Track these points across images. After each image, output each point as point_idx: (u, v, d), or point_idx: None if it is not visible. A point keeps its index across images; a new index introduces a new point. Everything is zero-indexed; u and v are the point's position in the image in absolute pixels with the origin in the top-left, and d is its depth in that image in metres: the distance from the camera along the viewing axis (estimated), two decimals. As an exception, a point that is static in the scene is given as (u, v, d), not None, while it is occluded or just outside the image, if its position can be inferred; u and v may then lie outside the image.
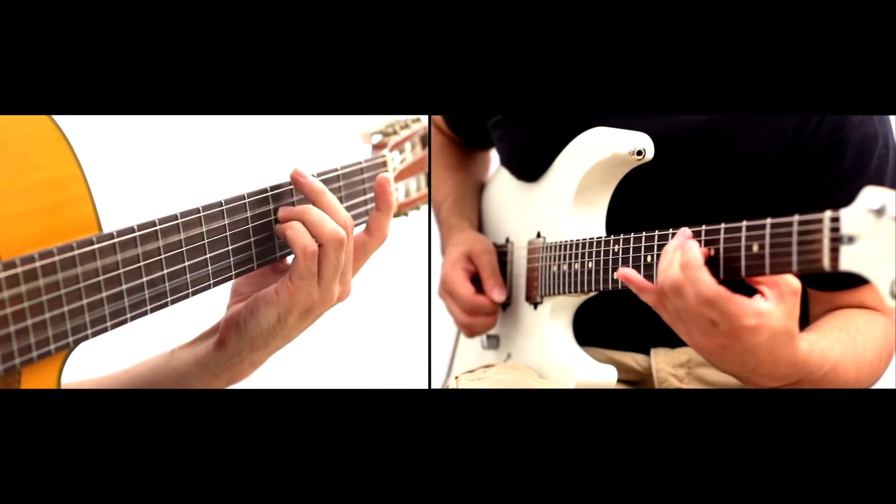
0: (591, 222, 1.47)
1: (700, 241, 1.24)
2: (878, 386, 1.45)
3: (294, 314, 1.30)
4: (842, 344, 1.35)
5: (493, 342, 1.62)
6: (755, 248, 1.17)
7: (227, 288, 1.37)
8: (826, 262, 1.10)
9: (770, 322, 1.20)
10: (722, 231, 1.21)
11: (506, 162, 1.64)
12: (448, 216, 1.71)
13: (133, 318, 1.20)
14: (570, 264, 1.44)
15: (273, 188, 1.32)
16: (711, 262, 1.22)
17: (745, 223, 1.19)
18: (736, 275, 1.20)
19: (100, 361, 1.37)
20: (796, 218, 1.14)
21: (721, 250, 1.21)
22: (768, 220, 1.16)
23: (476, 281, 1.60)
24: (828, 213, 1.10)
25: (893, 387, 1.52)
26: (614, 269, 1.36)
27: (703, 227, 1.24)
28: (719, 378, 1.51)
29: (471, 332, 1.62)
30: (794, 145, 1.41)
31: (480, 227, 1.73)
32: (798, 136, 1.40)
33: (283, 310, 1.29)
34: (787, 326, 1.22)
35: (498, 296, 1.57)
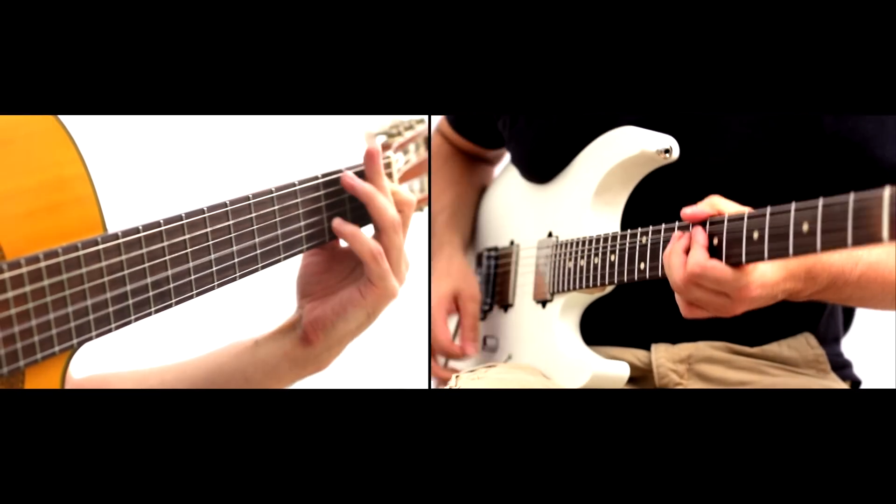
0: (608, 222, 1.47)
1: (743, 226, 1.26)
2: (878, 386, 1.46)
3: (381, 308, 1.41)
4: (879, 251, 1.37)
5: (493, 343, 1.63)
6: (805, 227, 1.19)
7: (228, 289, 1.37)
8: (885, 234, 1.13)
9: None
10: (768, 214, 1.23)
11: (518, 163, 1.64)
12: (442, 231, 1.74)
13: (137, 319, 1.20)
14: (588, 259, 1.45)
15: (278, 189, 1.32)
16: (755, 243, 1.24)
17: (794, 205, 1.21)
18: (784, 254, 1.22)
19: (103, 362, 1.37)
20: (851, 196, 1.16)
21: (766, 230, 1.23)
22: (820, 200, 1.19)
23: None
24: (887, 189, 1.13)
25: (893, 387, 1.53)
26: (641, 260, 1.38)
27: (747, 209, 1.26)
28: (719, 374, 1.52)
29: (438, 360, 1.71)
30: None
31: (478, 233, 1.74)
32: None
33: (371, 309, 1.40)
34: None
35: (471, 351, 1.66)
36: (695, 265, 1.28)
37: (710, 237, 1.29)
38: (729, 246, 1.27)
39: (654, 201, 1.47)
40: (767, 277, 1.29)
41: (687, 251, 1.31)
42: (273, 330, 1.42)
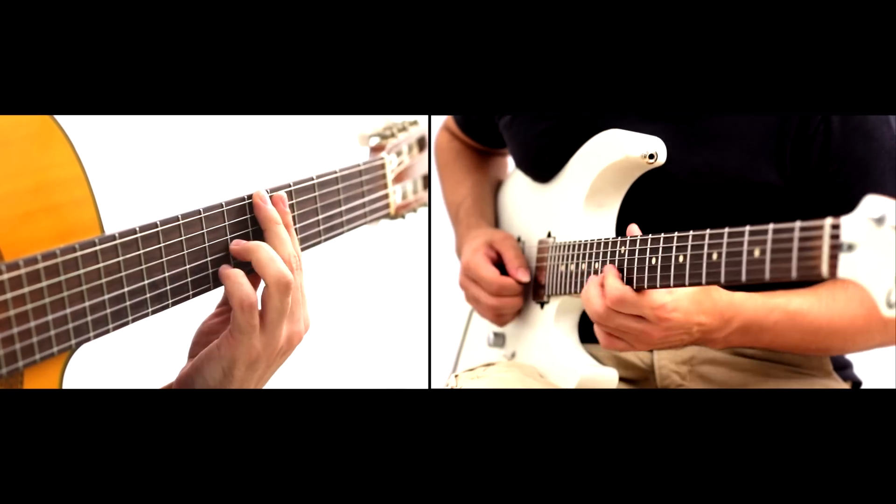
0: (602, 224, 1.47)
1: (703, 245, 1.25)
2: (878, 386, 1.46)
3: (240, 367, 1.25)
4: (800, 301, 1.41)
5: (500, 340, 1.63)
6: (756, 253, 1.18)
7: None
8: (825, 269, 1.10)
9: (682, 291, 1.33)
10: (725, 235, 1.22)
11: (518, 162, 1.65)
12: (467, 216, 1.72)
13: (135, 320, 1.19)
14: (577, 264, 1.44)
15: (272, 190, 1.32)
16: (713, 266, 1.23)
17: (748, 228, 1.20)
18: (737, 279, 1.21)
19: (102, 362, 1.37)
20: (798, 224, 1.14)
21: (724, 254, 1.22)
22: (770, 226, 1.17)
23: (498, 267, 1.60)
24: (828, 221, 1.10)
25: (893, 387, 1.53)
26: (619, 271, 1.36)
27: (707, 230, 1.24)
28: (721, 376, 1.52)
29: (499, 314, 1.60)
30: (799, 136, 1.41)
31: (496, 227, 1.73)
32: (804, 127, 1.41)
33: (227, 364, 1.24)
34: (699, 288, 1.35)
35: (523, 276, 1.57)
36: (614, 290, 1.33)
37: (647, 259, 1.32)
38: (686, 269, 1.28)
39: (652, 204, 1.47)
40: (682, 304, 1.33)
41: (602, 284, 1.36)
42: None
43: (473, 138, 1.81)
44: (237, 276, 1.24)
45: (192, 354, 1.32)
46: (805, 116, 1.40)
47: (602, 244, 1.40)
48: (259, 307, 1.24)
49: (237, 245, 1.27)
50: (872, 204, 1.07)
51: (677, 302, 1.33)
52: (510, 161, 1.83)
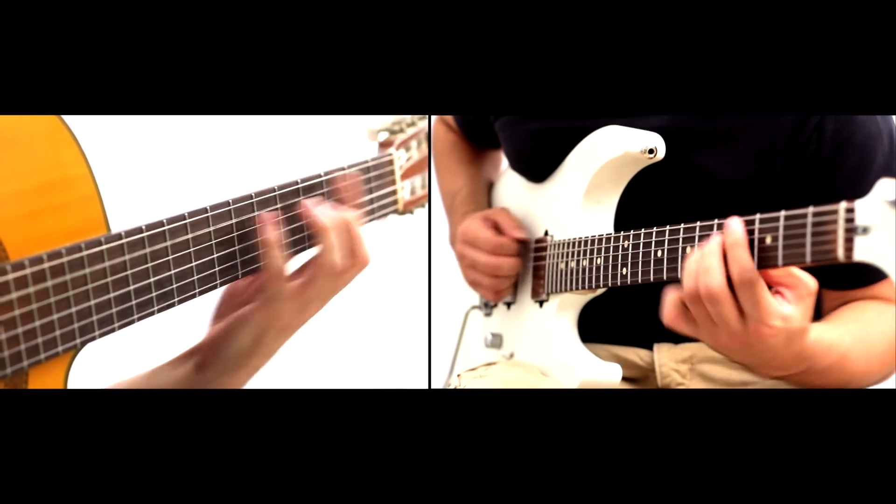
0: (600, 220, 1.47)
1: (712, 235, 1.24)
2: (879, 386, 1.46)
3: (271, 333, 1.31)
4: (852, 336, 1.37)
5: (497, 341, 1.63)
6: (768, 240, 1.18)
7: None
8: (840, 253, 1.11)
9: (791, 325, 1.20)
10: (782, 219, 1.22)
11: (513, 163, 1.65)
12: (463, 205, 1.72)
13: (140, 319, 1.19)
14: (577, 261, 1.45)
15: (280, 187, 1.32)
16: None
17: (758, 216, 1.20)
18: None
19: (106, 361, 1.37)
20: (811, 209, 1.15)
21: (780, 235, 1.22)
22: (782, 213, 1.17)
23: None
24: (843, 205, 1.11)
25: (893, 387, 1.53)
26: (623, 266, 1.37)
27: (716, 220, 1.25)
28: (722, 375, 1.52)
29: (496, 276, 1.56)
30: (792, 143, 1.41)
31: None
32: (797, 134, 1.41)
33: (260, 330, 1.30)
34: (802, 326, 1.22)
35: (519, 233, 1.55)
36: (747, 270, 1.17)
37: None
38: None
39: (651, 201, 1.47)
40: (795, 322, 1.21)
41: (724, 255, 1.19)
42: (174, 357, 1.36)
43: (469, 138, 1.82)
44: (275, 244, 1.29)
45: (218, 314, 1.37)
46: (799, 126, 1.40)
47: (605, 239, 1.40)
48: (299, 277, 1.31)
49: (307, 209, 1.32)
50: (887, 187, 1.09)
51: (789, 322, 1.20)
52: (503, 157, 1.84)
